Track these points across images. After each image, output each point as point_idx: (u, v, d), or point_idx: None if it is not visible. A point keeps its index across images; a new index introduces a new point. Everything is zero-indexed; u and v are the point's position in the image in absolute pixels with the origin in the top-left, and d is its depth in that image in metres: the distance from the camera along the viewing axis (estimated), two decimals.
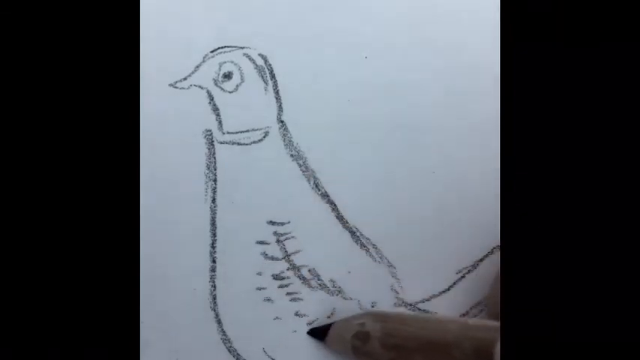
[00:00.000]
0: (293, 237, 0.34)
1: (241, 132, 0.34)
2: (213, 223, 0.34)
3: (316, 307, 0.34)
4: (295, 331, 0.34)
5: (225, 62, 0.34)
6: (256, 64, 0.34)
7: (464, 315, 0.35)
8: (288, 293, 0.34)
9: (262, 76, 0.34)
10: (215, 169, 0.34)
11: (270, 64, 0.34)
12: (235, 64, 0.34)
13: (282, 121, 0.34)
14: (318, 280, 0.34)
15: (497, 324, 0.27)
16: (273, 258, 0.34)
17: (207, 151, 0.34)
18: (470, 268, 0.35)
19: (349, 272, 0.34)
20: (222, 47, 0.34)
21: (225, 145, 0.34)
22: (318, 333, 0.34)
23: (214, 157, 0.34)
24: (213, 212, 0.34)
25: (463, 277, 0.35)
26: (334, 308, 0.34)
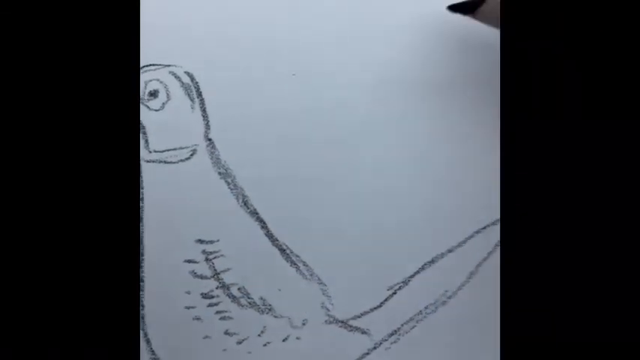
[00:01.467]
0: (222, 255, 0.34)
1: (168, 150, 0.34)
2: (140, 242, 0.34)
3: (246, 325, 0.34)
4: (225, 350, 0.34)
5: (150, 80, 0.33)
6: (182, 82, 0.34)
7: (396, 331, 0.35)
8: (218, 312, 0.34)
9: (189, 94, 0.34)
10: (142, 188, 0.34)
11: (196, 82, 0.34)
12: (161, 82, 0.34)
13: (209, 139, 0.34)
14: (248, 298, 0.34)
15: None
16: (202, 277, 0.34)
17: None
18: (401, 284, 0.35)
19: (279, 290, 0.34)
20: (147, 65, 0.33)
21: (152, 163, 0.34)
22: (466, 6, 0.31)
23: (141, 176, 0.34)
24: (141, 231, 0.34)
25: (394, 293, 0.35)
26: (264, 326, 0.34)
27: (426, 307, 0.35)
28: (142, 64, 0.34)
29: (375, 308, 0.35)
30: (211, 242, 0.34)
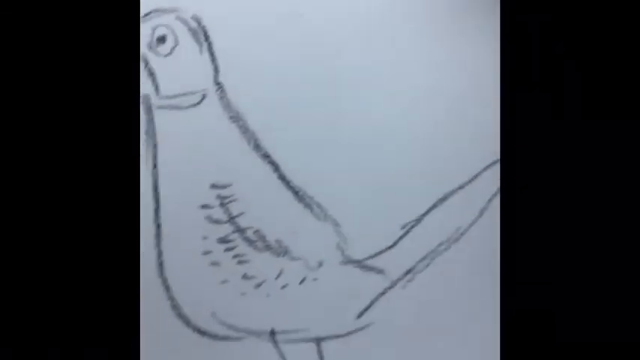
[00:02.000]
0: (236, 199, 0.34)
1: (178, 96, 0.33)
2: (155, 189, 0.34)
3: (263, 268, 0.34)
4: (244, 294, 0.34)
5: (158, 26, 0.33)
6: (190, 26, 0.33)
7: (410, 270, 0.35)
8: (235, 256, 0.34)
9: (196, 38, 0.34)
10: (154, 134, 0.34)
11: (204, 26, 0.34)
12: (168, 27, 0.33)
13: (219, 83, 0.34)
14: (264, 241, 0.34)
15: None
16: (217, 221, 0.34)
17: (145, 116, 0.33)
18: (414, 222, 0.35)
19: (295, 232, 0.34)
20: (153, 11, 0.33)
21: (163, 109, 0.33)
22: None
23: (153, 122, 0.33)
24: (155, 178, 0.34)
25: (408, 232, 0.35)
26: (281, 269, 0.34)
27: (439, 245, 0.35)
28: (147, 10, 0.33)
29: (390, 247, 0.35)
30: (225, 187, 0.34)
